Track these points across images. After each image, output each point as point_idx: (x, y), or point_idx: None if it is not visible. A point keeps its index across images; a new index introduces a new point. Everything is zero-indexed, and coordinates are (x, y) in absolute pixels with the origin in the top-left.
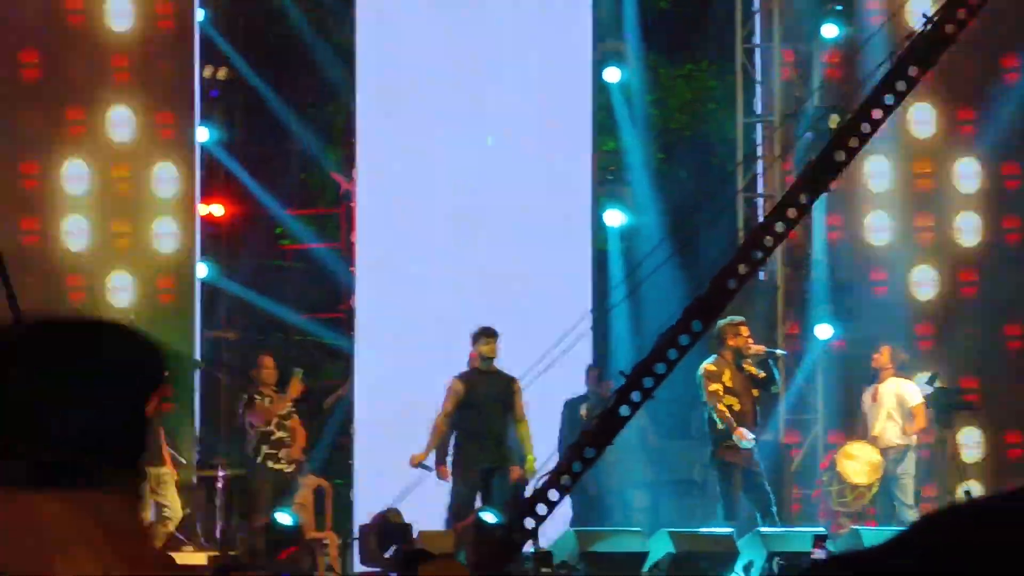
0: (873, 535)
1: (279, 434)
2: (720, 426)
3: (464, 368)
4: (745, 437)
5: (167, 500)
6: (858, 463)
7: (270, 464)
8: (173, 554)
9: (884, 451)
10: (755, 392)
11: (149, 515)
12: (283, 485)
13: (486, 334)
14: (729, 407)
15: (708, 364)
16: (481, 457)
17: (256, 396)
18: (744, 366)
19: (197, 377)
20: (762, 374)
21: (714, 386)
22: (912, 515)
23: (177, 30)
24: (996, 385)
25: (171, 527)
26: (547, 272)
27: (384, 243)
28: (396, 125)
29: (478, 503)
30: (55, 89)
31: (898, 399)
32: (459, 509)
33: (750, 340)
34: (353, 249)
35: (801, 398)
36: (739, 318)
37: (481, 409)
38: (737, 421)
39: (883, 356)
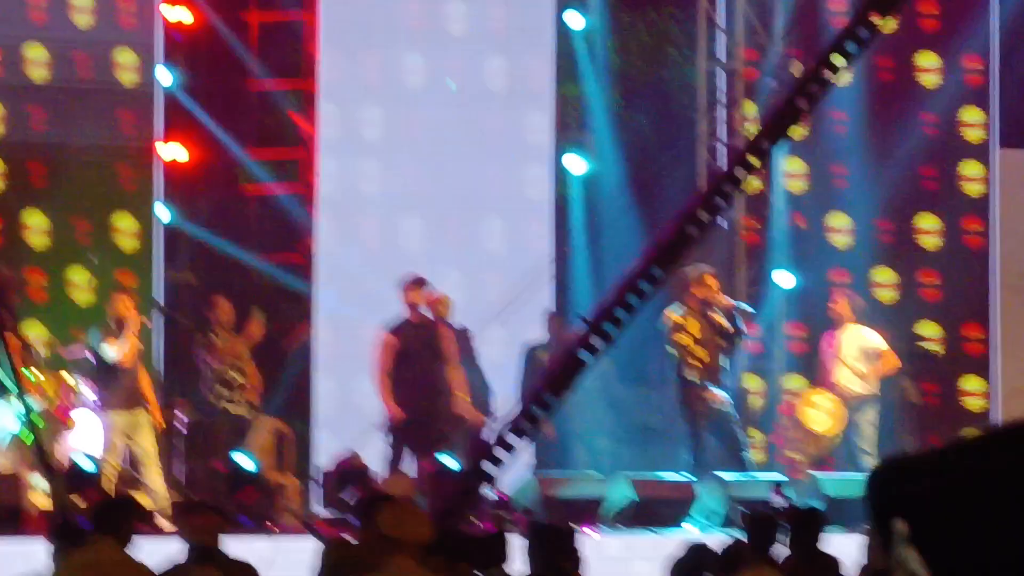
0: (831, 482)
1: (237, 379)
2: (689, 376)
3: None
4: (716, 398)
5: (141, 446)
6: (819, 411)
7: (228, 407)
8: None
9: (845, 399)
10: (722, 343)
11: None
12: (242, 428)
13: (416, 283)
14: (699, 358)
15: (674, 314)
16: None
17: (212, 336)
18: (711, 316)
19: (159, 321)
20: (731, 328)
21: (684, 339)
22: (871, 461)
23: None
24: (954, 280)
25: (145, 472)
26: (508, 218)
27: (344, 186)
28: (357, 67)
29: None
30: (13, 27)
31: (859, 347)
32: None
33: (718, 292)
34: (313, 191)
35: (761, 345)
36: (706, 267)
37: (415, 358)
38: (706, 374)
39: (840, 304)
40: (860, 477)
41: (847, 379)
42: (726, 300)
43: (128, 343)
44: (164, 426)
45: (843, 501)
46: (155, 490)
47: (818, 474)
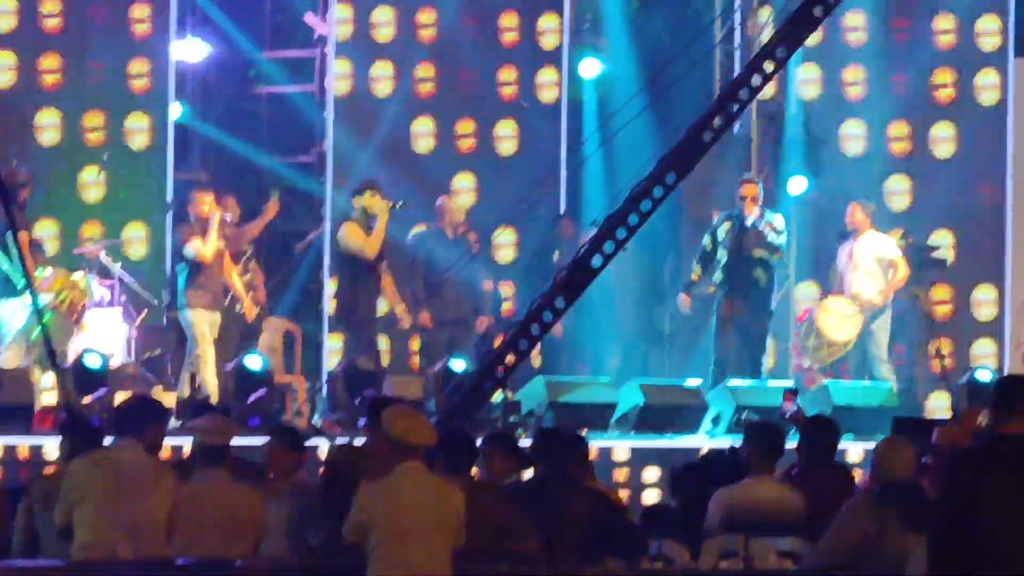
0: (843, 389)
1: (244, 277)
2: (692, 277)
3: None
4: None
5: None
6: (836, 318)
7: (236, 307)
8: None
9: (861, 307)
10: (758, 253)
11: None
12: (249, 328)
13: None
14: (719, 260)
15: (720, 214)
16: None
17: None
18: (749, 225)
19: (169, 219)
20: (774, 242)
21: (705, 239)
22: (885, 370)
23: None
24: (968, 242)
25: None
26: (521, 121)
27: (357, 87)
28: None
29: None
30: None
31: (875, 255)
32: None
33: (748, 201)
34: (326, 92)
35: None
36: (747, 175)
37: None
38: (725, 275)
39: (854, 213)
40: (872, 385)
41: (862, 286)
42: (758, 211)
43: (211, 241)
44: (256, 314)
45: (854, 409)
46: (209, 392)
47: (830, 382)
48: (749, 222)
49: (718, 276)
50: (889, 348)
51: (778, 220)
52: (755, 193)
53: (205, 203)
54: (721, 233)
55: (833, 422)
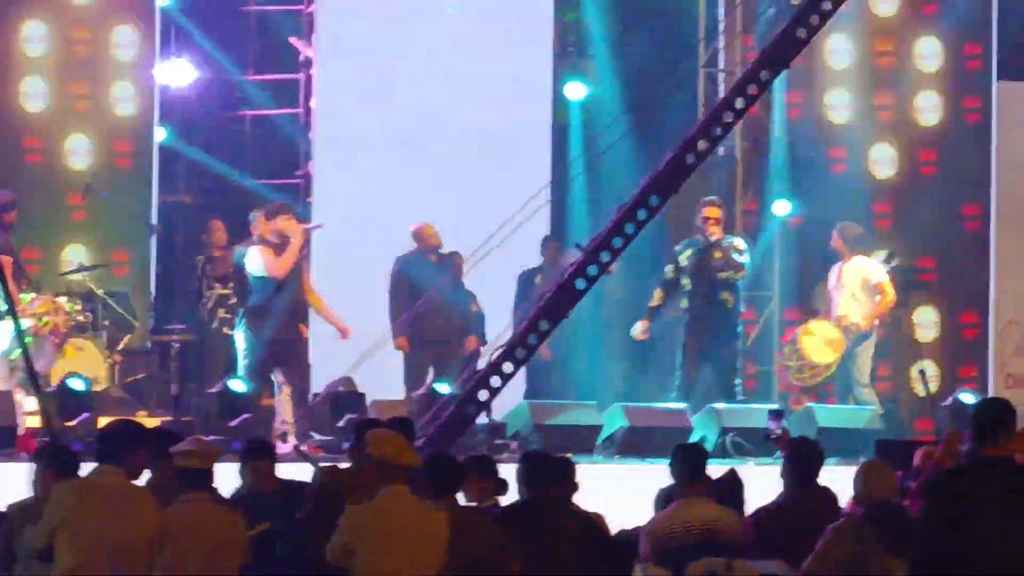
0: (828, 412)
1: (234, 299)
2: (651, 303)
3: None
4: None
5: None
6: (819, 340)
7: (225, 330)
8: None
9: (846, 330)
10: (722, 275)
11: None
12: (236, 350)
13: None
14: (683, 287)
15: (682, 243)
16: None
17: (207, 258)
18: (712, 251)
19: (153, 242)
20: (726, 260)
21: (667, 266)
22: (866, 393)
23: None
24: (953, 265)
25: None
26: (506, 143)
27: (342, 110)
28: None
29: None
30: None
31: (862, 279)
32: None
33: (710, 222)
34: (311, 115)
35: (757, 274)
36: (708, 198)
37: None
38: (689, 302)
39: (834, 238)
40: (856, 408)
41: (847, 309)
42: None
43: (289, 259)
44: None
45: (838, 431)
46: (286, 419)
47: (814, 405)
48: (713, 244)
49: (684, 303)
50: (873, 372)
51: (739, 242)
52: (719, 215)
53: (285, 220)
54: (684, 260)
55: (817, 444)
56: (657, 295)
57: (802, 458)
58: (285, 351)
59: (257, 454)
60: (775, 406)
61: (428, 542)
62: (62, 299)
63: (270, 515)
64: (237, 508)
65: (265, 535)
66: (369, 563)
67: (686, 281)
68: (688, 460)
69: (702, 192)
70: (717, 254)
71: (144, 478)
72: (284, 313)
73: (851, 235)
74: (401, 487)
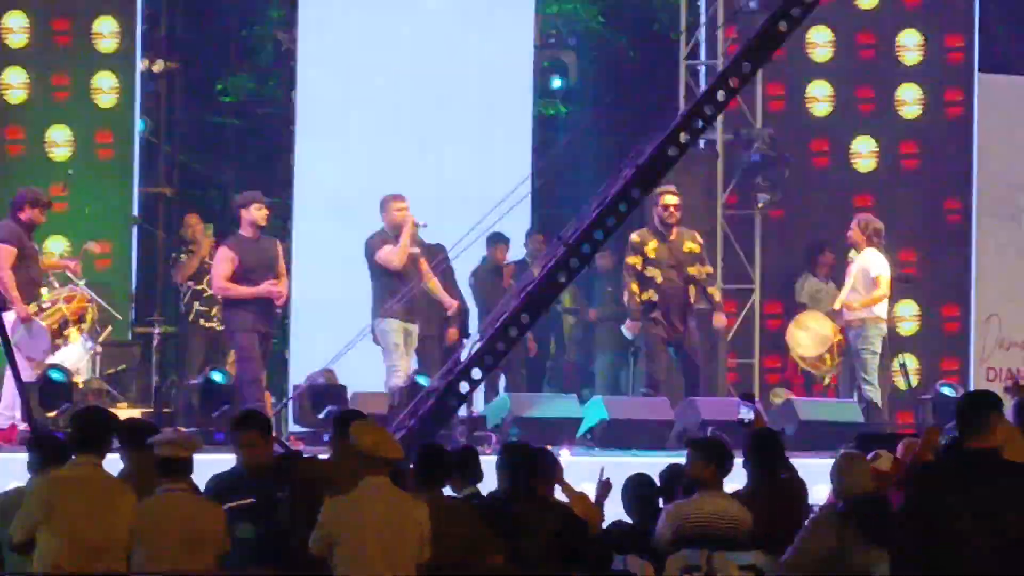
0: (808, 406)
1: (211, 292)
2: (641, 298)
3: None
4: (629, 329)
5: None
6: (808, 334)
7: (202, 322)
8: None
9: (848, 323)
10: (691, 269)
11: None
12: (216, 343)
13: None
14: (651, 279)
15: (634, 233)
16: None
17: (183, 255)
18: (684, 242)
19: (134, 233)
20: (697, 248)
21: (631, 258)
22: (871, 391)
23: None
24: (934, 258)
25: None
26: (488, 136)
27: (324, 102)
28: None
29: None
30: None
31: (862, 270)
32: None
33: (670, 208)
34: (293, 107)
35: (738, 267)
36: (664, 187)
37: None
38: (659, 293)
39: (854, 229)
40: (837, 402)
41: (849, 301)
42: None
43: (403, 248)
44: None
45: (820, 424)
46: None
47: (795, 399)
48: (674, 234)
49: (650, 294)
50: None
51: (696, 235)
52: (678, 201)
53: (399, 210)
54: (650, 251)
55: (774, 434)
56: (636, 290)
57: (759, 449)
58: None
59: (246, 424)
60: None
61: (408, 534)
62: (77, 290)
63: (263, 489)
64: (216, 499)
65: (243, 510)
66: (348, 555)
67: (654, 272)
68: (713, 456)
69: (684, 185)
70: (688, 245)
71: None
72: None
73: (872, 228)
74: (382, 479)
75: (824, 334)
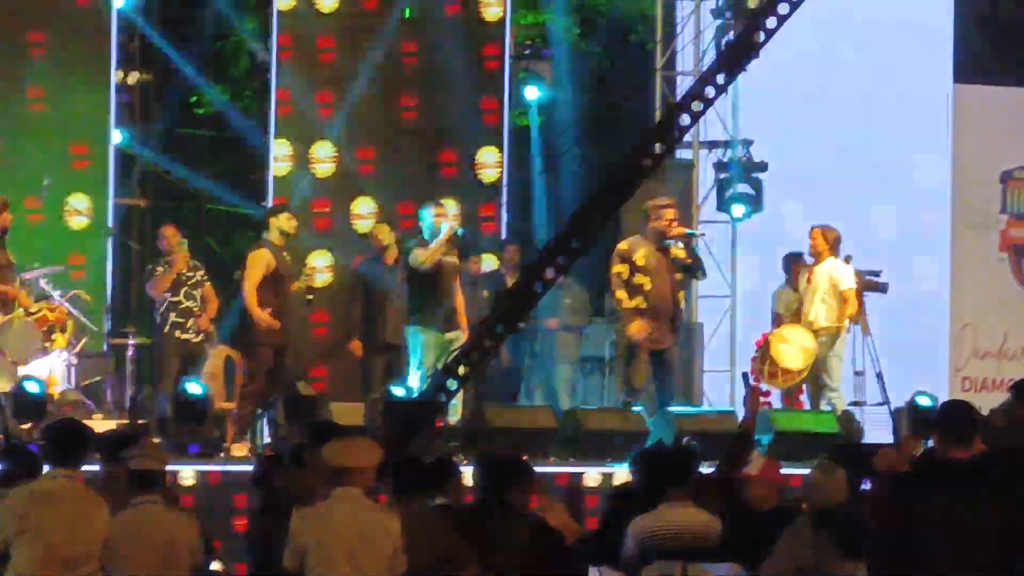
0: (784, 416)
1: (187, 303)
2: (624, 305)
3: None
4: (633, 335)
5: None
6: (792, 347)
7: (177, 334)
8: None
9: (816, 333)
10: (678, 276)
11: None
12: (191, 355)
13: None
14: (639, 287)
15: (622, 242)
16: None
17: (158, 267)
18: (671, 249)
19: (110, 244)
20: (688, 258)
21: (618, 267)
22: (836, 398)
23: None
24: (909, 268)
25: None
26: (463, 145)
27: (299, 111)
28: None
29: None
30: None
31: (831, 282)
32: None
33: (674, 223)
34: (268, 118)
35: (714, 277)
36: (665, 200)
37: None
38: (648, 301)
39: (816, 239)
40: (813, 412)
41: (817, 313)
42: (681, 229)
43: (433, 251)
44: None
45: (795, 435)
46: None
47: (770, 409)
48: (671, 245)
49: (638, 302)
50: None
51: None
52: (677, 215)
53: (436, 215)
54: (640, 259)
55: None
56: (624, 296)
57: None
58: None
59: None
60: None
61: (379, 545)
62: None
63: None
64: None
65: None
66: (318, 566)
67: (642, 279)
68: (674, 466)
69: (660, 195)
70: (680, 252)
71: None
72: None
73: (832, 237)
74: (352, 489)
75: (808, 347)
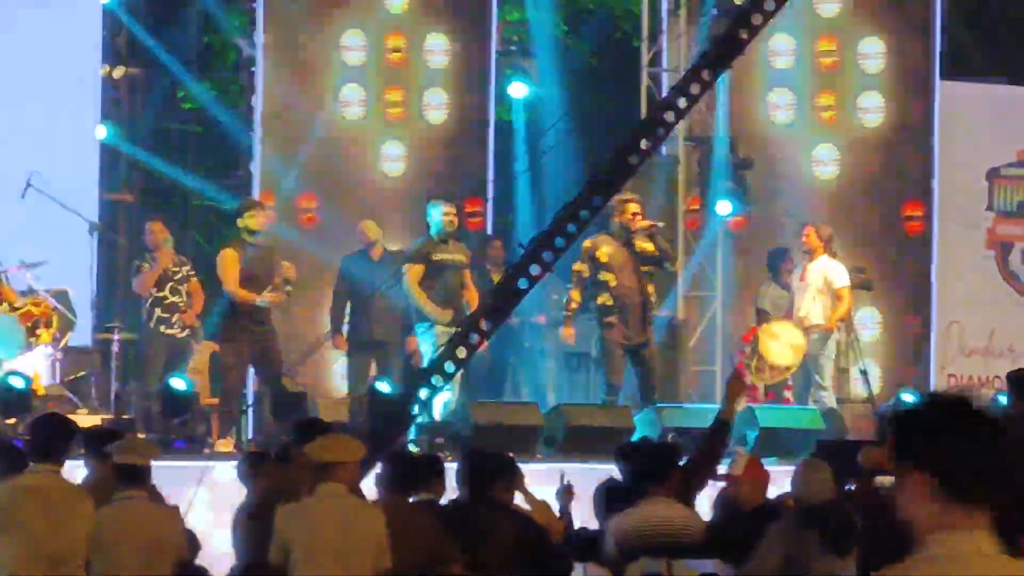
0: (768, 413)
1: (172, 299)
2: (572, 307)
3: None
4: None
5: None
6: (781, 343)
7: (162, 329)
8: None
9: (807, 331)
10: (645, 268)
11: None
12: (177, 350)
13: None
14: (604, 283)
15: (586, 240)
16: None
17: (144, 263)
18: (636, 243)
19: (95, 240)
20: (655, 251)
21: (578, 265)
22: (826, 396)
23: None
24: (895, 266)
25: None
26: (449, 142)
27: (284, 108)
28: None
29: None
30: None
31: (825, 280)
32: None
33: (637, 217)
34: (253, 113)
35: (700, 274)
36: (628, 195)
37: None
38: (614, 296)
39: (810, 236)
40: (798, 409)
41: (808, 310)
42: (646, 223)
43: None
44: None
45: (780, 432)
46: None
47: (755, 405)
48: (635, 238)
49: (605, 299)
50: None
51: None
52: (640, 209)
53: (446, 214)
54: (603, 256)
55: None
56: (576, 297)
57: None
58: None
59: None
60: (715, 406)
61: (363, 542)
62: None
63: None
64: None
65: None
66: (302, 561)
67: (607, 276)
68: (654, 461)
69: (646, 192)
70: (648, 245)
71: (81, 476)
72: None
73: (826, 234)
74: (336, 485)
75: (796, 343)
